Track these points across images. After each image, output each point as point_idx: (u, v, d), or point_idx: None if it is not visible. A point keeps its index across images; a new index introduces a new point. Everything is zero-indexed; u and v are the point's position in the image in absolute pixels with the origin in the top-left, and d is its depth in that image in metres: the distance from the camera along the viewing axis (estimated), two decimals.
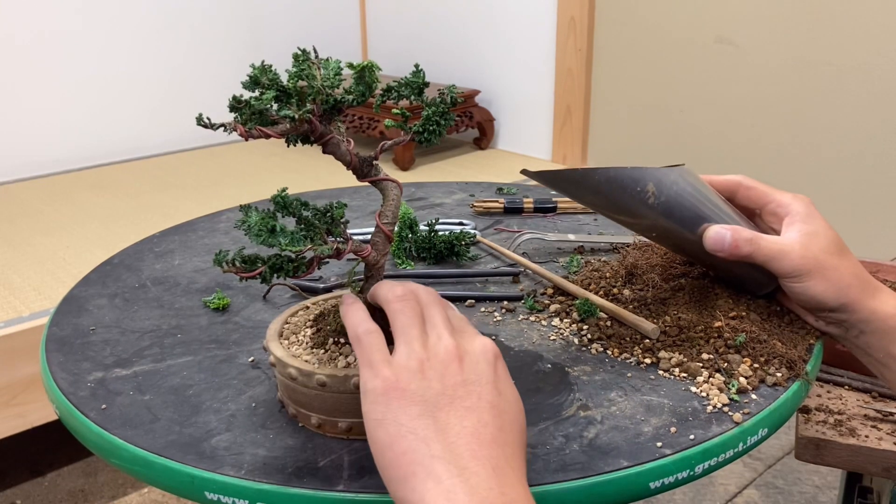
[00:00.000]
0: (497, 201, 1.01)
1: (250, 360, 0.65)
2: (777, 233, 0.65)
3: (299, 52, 0.51)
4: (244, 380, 0.62)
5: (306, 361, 0.54)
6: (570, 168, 0.64)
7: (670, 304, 0.68)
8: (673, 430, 0.54)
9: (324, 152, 0.53)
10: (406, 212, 0.86)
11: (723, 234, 0.62)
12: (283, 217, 0.51)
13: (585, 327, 0.68)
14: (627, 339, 0.66)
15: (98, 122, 2.42)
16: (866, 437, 0.77)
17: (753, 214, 0.68)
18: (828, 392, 0.85)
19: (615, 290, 0.72)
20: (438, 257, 0.84)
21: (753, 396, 0.58)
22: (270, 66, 0.50)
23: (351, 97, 0.52)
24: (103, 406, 0.59)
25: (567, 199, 1.00)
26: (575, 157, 2.36)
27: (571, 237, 0.89)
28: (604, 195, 0.61)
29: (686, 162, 0.71)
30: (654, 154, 2.21)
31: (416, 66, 0.55)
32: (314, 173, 2.27)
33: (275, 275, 0.51)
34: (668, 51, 2.10)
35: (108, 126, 2.44)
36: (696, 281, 0.71)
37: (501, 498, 0.42)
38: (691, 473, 0.53)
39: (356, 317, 0.50)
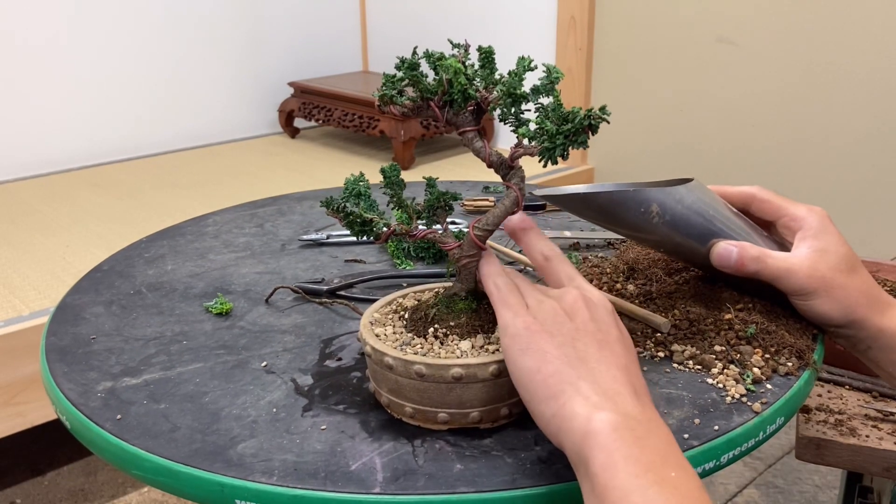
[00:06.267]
0: (487, 199, 1.01)
1: (263, 364, 0.64)
2: (791, 246, 0.65)
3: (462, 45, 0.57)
4: (260, 385, 0.61)
5: (404, 351, 0.54)
6: (572, 193, 0.63)
7: (676, 297, 0.68)
8: (696, 421, 0.55)
9: (463, 143, 0.57)
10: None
11: (729, 251, 0.62)
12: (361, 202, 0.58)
13: None
14: (638, 333, 0.66)
15: (98, 121, 2.40)
16: (867, 436, 0.77)
17: (769, 226, 0.68)
18: (828, 392, 0.85)
19: (618, 286, 0.72)
20: (437, 257, 0.84)
21: (768, 386, 0.59)
22: (419, 62, 0.55)
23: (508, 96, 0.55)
24: (118, 416, 0.57)
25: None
26: (575, 157, 2.36)
27: (567, 234, 0.89)
28: (608, 214, 0.62)
29: (692, 168, 0.70)
30: (653, 153, 2.22)
31: (548, 67, 0.56)
32: (313, 173, 2.27)
33: (351, 226, 0.57)
34: (668, 51, 2.10)
35: (108, 126, 2.42)
36: (698, 274, 0.71)
37: (643, 415, 0.46)
38: (717, 463, 0.54)
39: (491, 267, 0.56)
